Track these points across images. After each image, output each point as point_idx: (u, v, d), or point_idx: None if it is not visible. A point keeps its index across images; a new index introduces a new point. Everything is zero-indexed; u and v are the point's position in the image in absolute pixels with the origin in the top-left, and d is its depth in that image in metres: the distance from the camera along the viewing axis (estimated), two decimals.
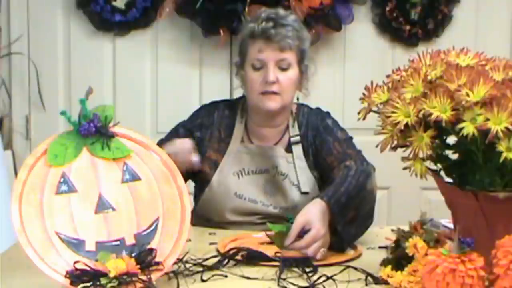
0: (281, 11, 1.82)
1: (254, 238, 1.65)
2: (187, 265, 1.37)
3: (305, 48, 1.82)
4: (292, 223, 1.68)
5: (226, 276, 1.35)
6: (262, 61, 1.77)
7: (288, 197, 1.81)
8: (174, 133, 1.91)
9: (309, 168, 1.84)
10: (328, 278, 1.32)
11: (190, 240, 1.58)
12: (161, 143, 1.80)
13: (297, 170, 1.82)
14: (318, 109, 1.95)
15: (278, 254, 1.44)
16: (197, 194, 1.90)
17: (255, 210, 1.82)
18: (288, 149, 1.85)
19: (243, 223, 1.82)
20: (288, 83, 1.78)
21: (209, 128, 1.89)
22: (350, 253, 1.53)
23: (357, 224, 1.59)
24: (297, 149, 1.85)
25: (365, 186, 1.64)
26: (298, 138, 1.86)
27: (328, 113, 1.94)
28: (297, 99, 1.92)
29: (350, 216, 1.56)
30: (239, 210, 1.82)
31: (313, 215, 1.50)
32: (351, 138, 1.87)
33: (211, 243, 1.62)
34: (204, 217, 1.85)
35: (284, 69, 1.77)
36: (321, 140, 1.85)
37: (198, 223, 1.82)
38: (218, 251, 1.52)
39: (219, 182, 1.82)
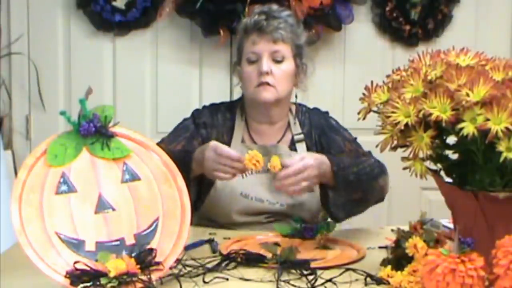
0: (275, 6, 1.86)
1: (258, 240, 1.64)
2: (188, 268, 1.36)
3: (300, 43, 1.84)
4: (298, 223, 1.68)
5: (227, 279, 1.34)
6: (256, 54, 1.79)
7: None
8: (183, 130, 1.88)
9: None
10: (327, 280, 1.31)
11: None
12: (169, 141, 1.83)
13: None
14: (317, 109, 1.97)
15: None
16: (200, 196, 1.85)
17: (262, 209, 1.81)
18: (292, 147, 1.86)
19: (249, 224, 1.80)
20: (282, 75, 1.79)
21: (213, 129, 1.87)
22: (354, 255, 1.52)
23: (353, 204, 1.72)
24: (301, 147, 1.86)
25: (377, 179, 1.73)
26: (302, 136, 1.88)
27: (327, 113, 1.97)
28: (296, 96, 1.92)
29: (355, 196, 1.69)
30: (246, 210, 1.80)
31: (311, 157, 1.61)
32: (356, 138, 1.91)
33: (209, 237, 1.65)
34: (208, 218, 1.84)
35: (278, 61, 1.79)
36: (328, 139, 1.87)
37: (201, 224, 1.81)
38: (220, 252, 1.51)
39: (224, 183, 1.79)
